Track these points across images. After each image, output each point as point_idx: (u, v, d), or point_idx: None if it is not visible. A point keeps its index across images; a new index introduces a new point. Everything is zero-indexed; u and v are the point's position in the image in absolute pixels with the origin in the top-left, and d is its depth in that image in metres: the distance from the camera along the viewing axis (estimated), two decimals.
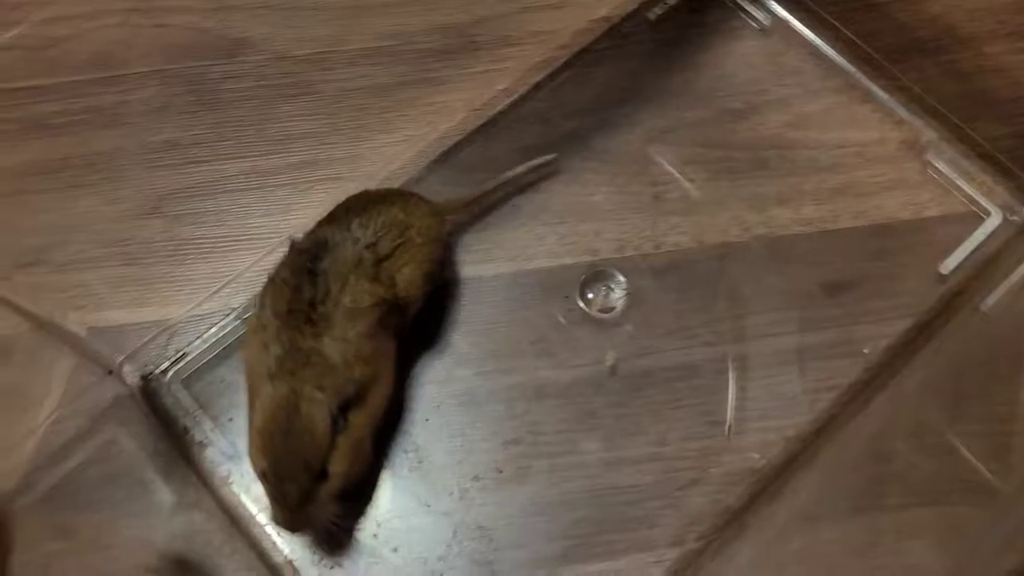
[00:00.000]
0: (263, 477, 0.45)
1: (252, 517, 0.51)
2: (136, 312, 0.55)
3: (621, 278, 0.57)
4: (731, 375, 0.55)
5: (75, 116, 0.56)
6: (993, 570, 0.42)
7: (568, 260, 0.57)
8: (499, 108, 0.61)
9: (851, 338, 0.55)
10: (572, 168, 0.60)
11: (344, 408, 0.46)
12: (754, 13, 0.65)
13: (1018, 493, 0.47)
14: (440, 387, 0.54)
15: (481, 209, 0.58)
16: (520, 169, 0.58)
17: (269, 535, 0.51)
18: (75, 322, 0.54)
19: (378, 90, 0.60)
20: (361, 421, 0.47)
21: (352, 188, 0.54)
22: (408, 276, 0.51)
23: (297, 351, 0.46)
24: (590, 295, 0.57)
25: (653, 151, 0.61)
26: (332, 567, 0.50)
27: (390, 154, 0.59)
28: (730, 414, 0.54)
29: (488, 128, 0.61)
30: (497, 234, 0.58)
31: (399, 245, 0.50)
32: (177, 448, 0.53)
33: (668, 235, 0.58)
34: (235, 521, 0.51)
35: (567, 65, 0.63)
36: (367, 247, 0.49)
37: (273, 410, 0.45)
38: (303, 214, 0.57)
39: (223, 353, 0.55)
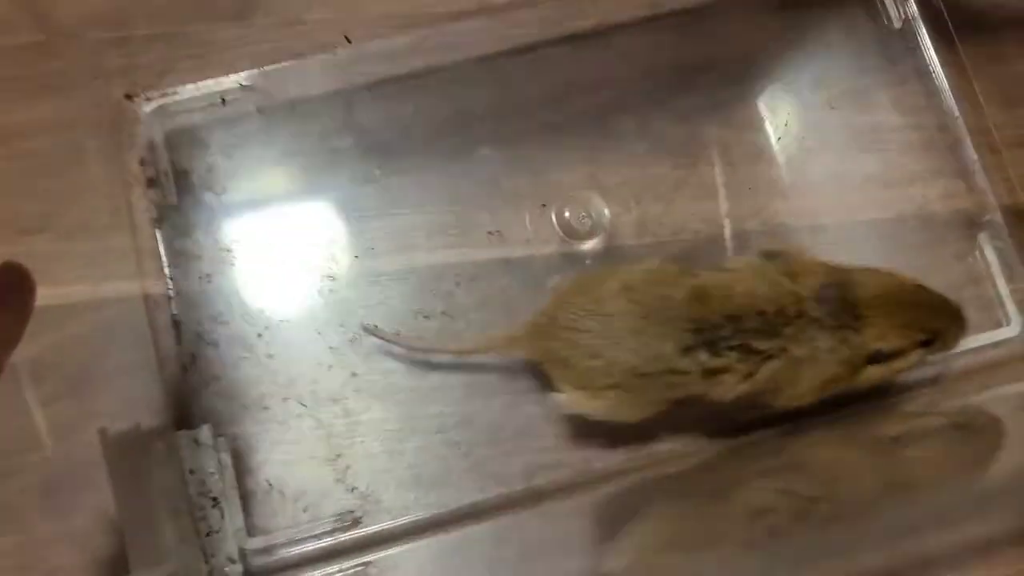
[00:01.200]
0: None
1: (161, 254, 0.54)
2: None
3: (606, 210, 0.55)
4: None
5: (80, 76, 0.54)
6: None
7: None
8: (528, 77, 0.57)
9: None
10: (608, 145, 0.57)
11: None
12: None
13: None
14: None
15: None
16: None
17: (165, 279, 0.53)
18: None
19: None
20: None
21: None
22: None
23: None
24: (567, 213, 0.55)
25: (693, 129, 0.57)
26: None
27: None
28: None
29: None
30: (507, 215, 0.56)
31: None
32: (130, 173, 0.54)
33: (692, 220, 0.56)
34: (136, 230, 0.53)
35: (603, 33, 0.58)
36: None
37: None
38: None
39: (210, 110, 0.55)
